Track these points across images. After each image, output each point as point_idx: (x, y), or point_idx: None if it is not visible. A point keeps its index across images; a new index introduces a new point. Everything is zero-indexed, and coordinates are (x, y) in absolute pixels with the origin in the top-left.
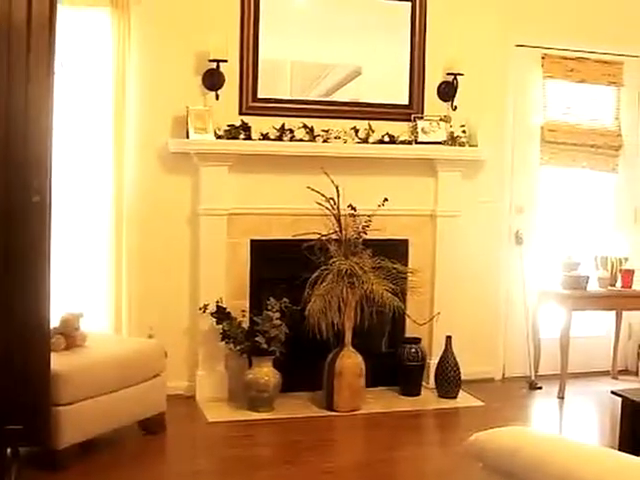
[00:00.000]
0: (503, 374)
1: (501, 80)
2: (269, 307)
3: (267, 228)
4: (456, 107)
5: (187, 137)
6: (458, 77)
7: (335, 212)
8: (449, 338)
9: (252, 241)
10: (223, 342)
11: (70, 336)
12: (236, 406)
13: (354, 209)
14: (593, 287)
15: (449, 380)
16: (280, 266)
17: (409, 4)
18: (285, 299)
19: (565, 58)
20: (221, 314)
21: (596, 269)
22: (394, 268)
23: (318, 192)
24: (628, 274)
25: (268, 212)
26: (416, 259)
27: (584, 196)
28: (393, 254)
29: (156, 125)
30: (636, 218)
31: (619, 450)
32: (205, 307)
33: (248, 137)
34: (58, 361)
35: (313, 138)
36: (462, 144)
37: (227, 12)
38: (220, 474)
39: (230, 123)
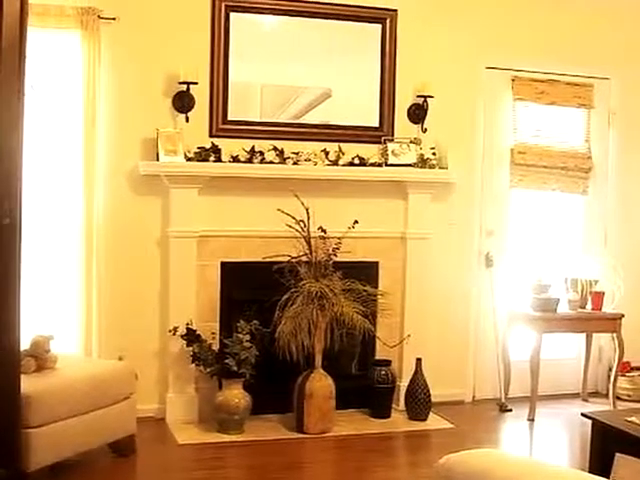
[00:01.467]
0: (473, 396)
1: (471, 102)
2: (239, 329)
3: (237, 250)
4: (426, 129)
5: (157, 159)
6: (428, 99)
7: (305, 234)
8: (419, 360)
9: (222, 263)
10: (193, 364)
11: (40, 358)
12: (206, 428)
13: (324, 231)
14: (563, 309)
15: (419, 402)
16: (250, 288)
17: (379, 26)
18: (255, 321)
19: (535, 80)
20: (191, 336)
21: (566, 291)
22: (364, 290)
23: (288, 214)
24: (598, 296)
25: (238, 234)
26: (386, 281)
27: (554, 218)
28: (363, 276)
29: (126, 147)
30: (606, 240)
31: (589, 472)
32: (175, 329)
33: (218, 159)
34: (28, 383)
35: (283, 160)
36: (432, 166)
37: (197, 34)
38: None
39: (200, 145)
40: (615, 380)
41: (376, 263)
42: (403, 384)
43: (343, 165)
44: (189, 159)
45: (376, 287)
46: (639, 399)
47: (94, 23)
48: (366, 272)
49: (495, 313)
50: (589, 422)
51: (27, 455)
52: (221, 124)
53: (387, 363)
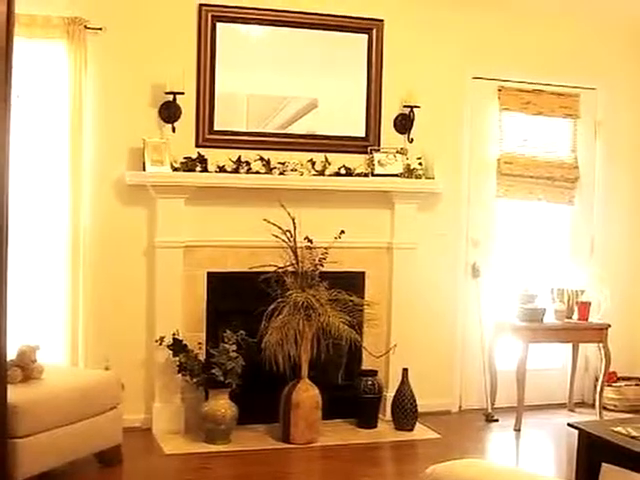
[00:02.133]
0: (460, 406)
1: (457, 112)
2: (225, 339)
3: (223, 260)
4: (412, 139)
5: (144, 169)
6: (415, 109)
7: (291, 244)
8: (405, 370)
9: (209, 273)
10: (179, 374)
11: (27, 368)
12: (193, 438)
13: (310, 241)
14: (550, 319)
15: (406, 412)
16: (237, 298)
17: (366, 36)
18: (241, 331)
19: (521, 90)
20: (177, 346)
21: (552, 301)
22: (351, 300)
23: (274, 224)
24: (584, 306)
25: (225, 244)
26: (372, 291)
27: (540, 228)
28: (350, 286)
29: (112, 157)
30: (592, 250)
31: None
32: (161, 339)
33: (204, 169)
34: (15, 393)
35: (269, 170)
36: (418, 176)
37: (184, 44)
38: None
39: (187, 155)
40: (601, 390)
41: (362, 273)
42: (389, 394)
43: (329, 175)
44: (175, 169)
45: (362, 297)
46: (625, 409)
47: (80, 33)
48: (352, 282)
49: (481, 323)
50: (575, 432)
51: (14, 465)
52: (207, 134)
53: (373, 373)
